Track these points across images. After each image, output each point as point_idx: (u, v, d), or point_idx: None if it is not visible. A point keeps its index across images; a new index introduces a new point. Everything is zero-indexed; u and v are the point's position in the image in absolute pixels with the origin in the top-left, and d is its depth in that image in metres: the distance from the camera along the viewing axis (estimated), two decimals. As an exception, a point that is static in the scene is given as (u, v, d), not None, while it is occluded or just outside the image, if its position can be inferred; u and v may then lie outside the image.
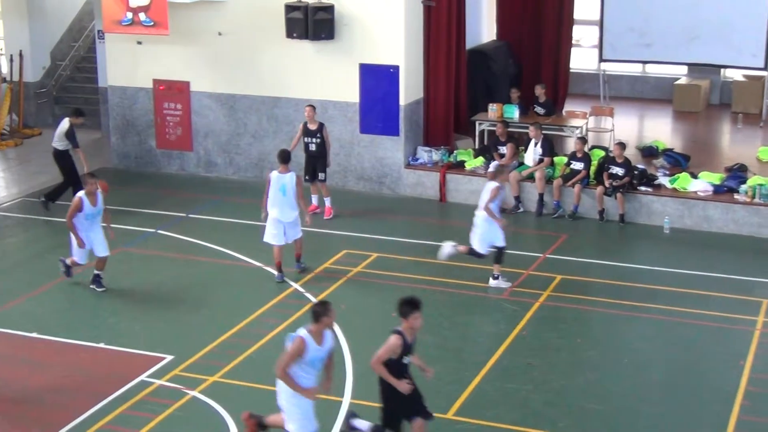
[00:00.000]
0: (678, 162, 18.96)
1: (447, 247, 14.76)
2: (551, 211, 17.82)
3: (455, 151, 19.31)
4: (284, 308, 13.94)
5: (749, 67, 22.17)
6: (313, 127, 17.48)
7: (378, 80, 18.85)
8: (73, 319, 13.78)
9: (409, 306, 9.49)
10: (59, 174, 18.39)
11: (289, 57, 19.29)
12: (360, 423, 10.18)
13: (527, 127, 18.77)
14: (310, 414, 9.58)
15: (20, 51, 24.02)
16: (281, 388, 9.55)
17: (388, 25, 18.61)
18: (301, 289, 14.56)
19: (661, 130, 22.47)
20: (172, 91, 20.39)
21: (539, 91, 20.59)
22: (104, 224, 14.48)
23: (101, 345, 12.85)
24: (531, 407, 11.30)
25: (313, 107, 17.60)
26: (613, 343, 13.20)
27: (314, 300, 14.09)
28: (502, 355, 12.57)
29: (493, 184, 14.45)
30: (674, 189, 17.59)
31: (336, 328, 13.09)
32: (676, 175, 17.89)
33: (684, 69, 24.41)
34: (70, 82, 25.57)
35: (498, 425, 10.86)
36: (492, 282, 14.58)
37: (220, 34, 19.77)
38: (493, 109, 19.83)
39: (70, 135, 17.96)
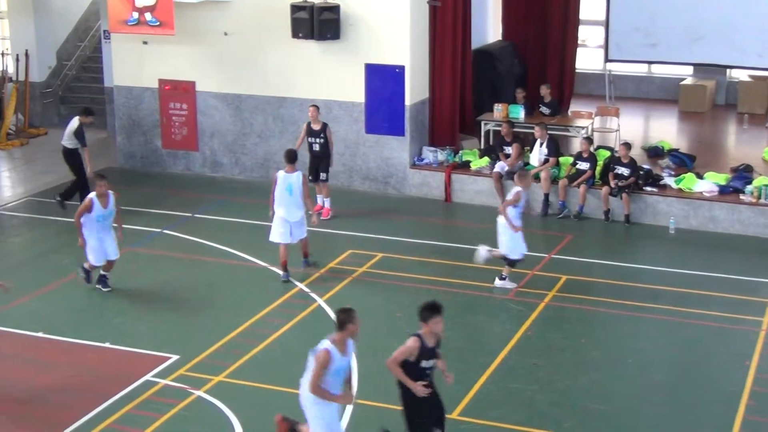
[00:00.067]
0: (683, 162, 18.95)
1: (482, 252, 14.57)
2: (557, 212, 17.81)
3: (461, 152, 19.31)
4: (290, 308, 13.95)
5: (755, 68, 22.17)
6: (316, 127, 17.49)
7: (383, 80, 18.86)
8: (79, 319, 13.80)
9: (430, 310, 9.40)
10: (69, 173, 18.42)
11: (295, 57, 19.31)
12: None
13: (533, 128, 18.77)
14: (335, 425, 9.46)
15: (26, 51, 24.07)
16: (305, 396, 9.39)
17: (394, 25, 18.62)
18: (307, 289, 14.56)
19: (667, 130, 22.46)
20: (178, 91, 20.42)
21: (545, 91, 20.57)
22: (115, 224, 14.48)
23: (107, 345, 12.86)
24: (536, 407, 11.30)
25: (317, 107, 17.61)
26: (618, 344, 13.19)
27: (319, 300, 14.13)
28: (507, 355, 12.57)
29: (515, 188, 14.42)
30: (680, 189, 17.57)
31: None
32: (682, 176, 17.88)
33: (690, 69, 24.39)
34: (76, 82, 25.60)
35: (503, 425, 10.86)
36: (498, 282, 14.57)
37: (225, 34, 19.78)
38: (499, 109, 19.83)
39: (78, 134, 17.99)
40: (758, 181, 17.33)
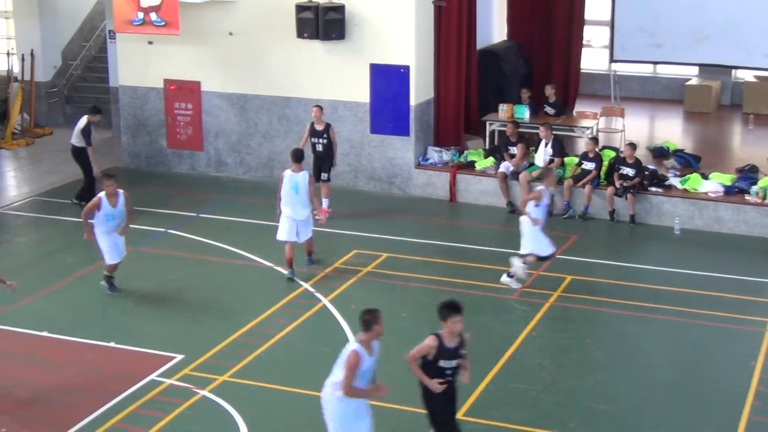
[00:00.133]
0: (689, 163, 18.93)
1: (516, 263, 14.41)
2: (562, 212, 17.79)
3: (465, 152, 19.30)
4: (294, 308, 13.95)
5: (760, 68, 22.13)
6: (320, 127, 17.49)
7: (388, 80, 18.86)
8: (84, 319, 13.80)
9: (449, 309, 9.33)
10: (75, 172, 18.45)
11: (300, 57, 19.31)
12: None
13: (538, 128, 18.75)
14: (356, 424, 9.41)
15: (31, 50, 24.09)
16: (327, 408, 9.40)
17: (399, 25, 18.62)
18: (312, 289, 14.57)
19: (672, 130, 22.43)
20: (183, 90, 20.43)
21: (549, 91, 20.56)
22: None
23: (112, 344, 12.87)
24: (540, 408, 11.29)
25: (320, 108, 17.61)
26: (622, 344, 13.17)
27: (324, 300, 14.13)
28: (511, 355, 12.57)
29: (538, 186, 14.45)
30: (685, 190, 17.55)
31: (345, 327, 13.17)
32: (687, 176, 17.85)
33: (695, 69, 24.35)
34: (81, 82, 25.63)
35: (507, 425, 10.85)
36: (504, 278, 14.55)
37: (230, 34, 19.79)
38: (504, 109, 19.82)
39: (85, 132, 18.01)
40: (763, 181, 17.30)
